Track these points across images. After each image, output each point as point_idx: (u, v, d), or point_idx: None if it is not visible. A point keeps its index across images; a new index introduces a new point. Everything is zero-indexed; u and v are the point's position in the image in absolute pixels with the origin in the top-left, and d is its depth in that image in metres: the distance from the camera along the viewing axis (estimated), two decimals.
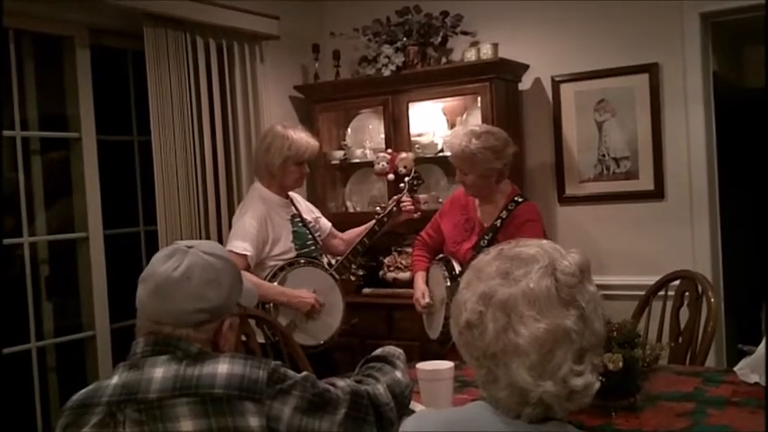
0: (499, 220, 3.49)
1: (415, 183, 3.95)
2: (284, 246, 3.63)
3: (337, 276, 3.77)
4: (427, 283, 3.68)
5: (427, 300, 3.60)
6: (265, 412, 1.66)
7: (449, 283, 3.46)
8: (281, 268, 3.59)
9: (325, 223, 4.01)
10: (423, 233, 3.86)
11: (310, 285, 3.61)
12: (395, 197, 3.96)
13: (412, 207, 3.87)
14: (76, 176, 4.08)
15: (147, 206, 4.26)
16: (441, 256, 3.67)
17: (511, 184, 3.63)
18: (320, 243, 3.84)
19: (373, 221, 3.87)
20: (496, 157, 3.43)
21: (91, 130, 4.06)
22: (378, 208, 3.96)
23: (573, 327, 1.33)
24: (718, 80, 4.45)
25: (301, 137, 3.66)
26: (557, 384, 1.33)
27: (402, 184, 3.98)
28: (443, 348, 3.31)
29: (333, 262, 3.84)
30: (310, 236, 3.77)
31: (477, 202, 3.62)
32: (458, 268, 3.50)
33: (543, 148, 4.67)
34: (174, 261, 1.77)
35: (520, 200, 3.56)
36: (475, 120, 4.47)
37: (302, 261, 3.65)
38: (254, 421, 1.65)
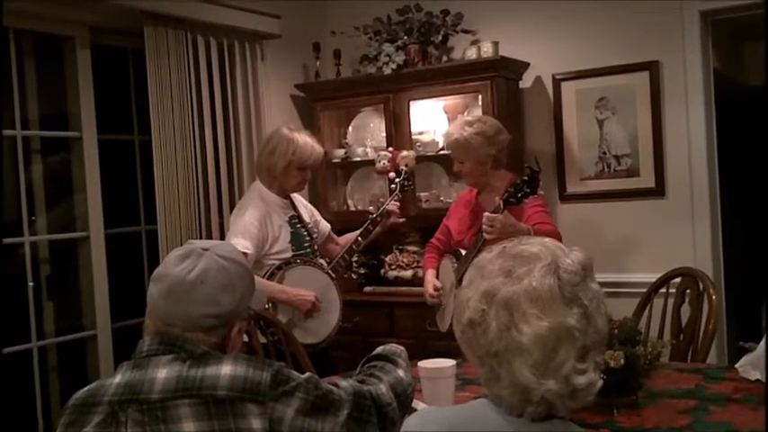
0: (502, 203, 3.49)
1: (406, 184, 3.94)
2: (282, 245, 3.61)
3: (333, 275, 3.76)
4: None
5: (438, 284, 3.64)
6: (268, 414, 1.65)
7: (455, 265, 3.50)
8: (279, 267, 3.57)
9: (325, 226, 3.98)
10: (433, 239, 3.87)
11: (308, 284, 3.60)
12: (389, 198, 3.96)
13: (397, 211, 3.86)
14: (77, 176, 4.08)
15: (148, 205, 4.26)
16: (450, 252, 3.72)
17: (511, 173, 3.65)
18: (317, 245, 3.83)
19: (367, 221, 3.87)
20: (489, 143, 3.54)
21: (92, 130, 4.06)
22: (371, 207, 3.95)
23: (576, 325, 1.33)
24: (718, 78, 4.45)
25: (307, 142, 3.63)
26: (559, 383, 1.32)
27: (392, 185, 3.96)
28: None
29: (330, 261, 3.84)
30: (308, 237, 3.74)
31: (479, 195, 3.66)
32: (464, 254, 3.54)
33: (544, 145, 4.66)
34: (188, 263, 1.75)
35: None
36: None
37: (298, 261, 3.64)
38: (256, 423, 1.63)
